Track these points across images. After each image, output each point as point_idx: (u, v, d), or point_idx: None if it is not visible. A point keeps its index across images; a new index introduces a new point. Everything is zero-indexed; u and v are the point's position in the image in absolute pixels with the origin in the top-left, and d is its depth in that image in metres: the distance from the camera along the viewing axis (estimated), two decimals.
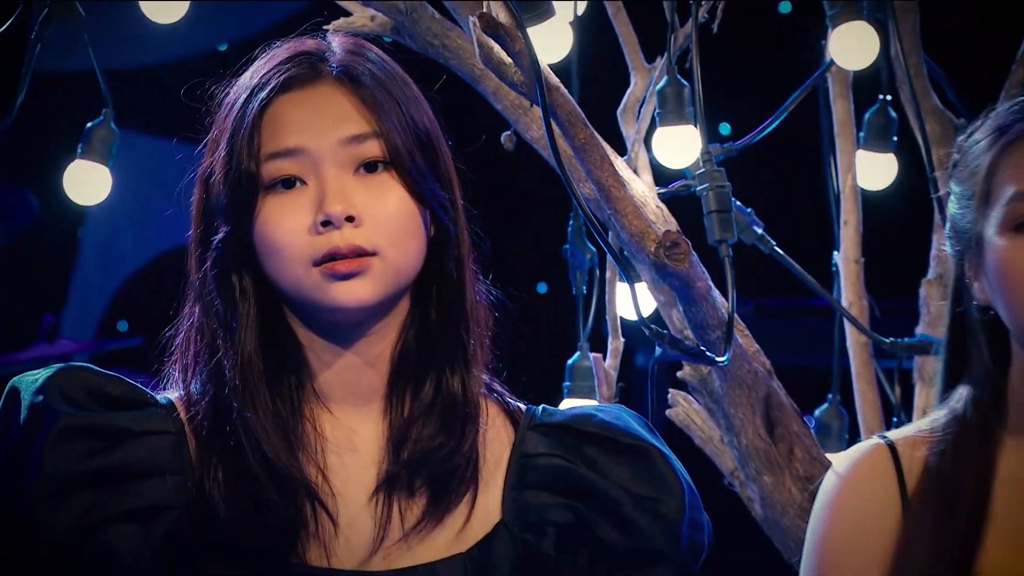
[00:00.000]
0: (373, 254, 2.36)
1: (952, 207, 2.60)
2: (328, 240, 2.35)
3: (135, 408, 2.39)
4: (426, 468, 2.39)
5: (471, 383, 2.43)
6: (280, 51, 2.42)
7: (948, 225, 2.62)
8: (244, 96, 2.39)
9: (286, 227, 2.37)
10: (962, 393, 2.60)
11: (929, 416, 2.64)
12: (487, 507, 2.41)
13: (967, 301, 2.60)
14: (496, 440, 2.44)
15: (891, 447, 2.60)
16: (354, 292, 2.36)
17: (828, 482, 2.61)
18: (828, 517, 2.59)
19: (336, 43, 2.44)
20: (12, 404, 2.38)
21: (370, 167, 2.38)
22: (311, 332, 2.41)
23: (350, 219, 2.35)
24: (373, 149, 2.38)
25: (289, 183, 2.38)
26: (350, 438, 2.41)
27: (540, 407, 2.47)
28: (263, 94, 2.38)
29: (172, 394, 2.42)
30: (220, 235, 2.38)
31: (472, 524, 2.40)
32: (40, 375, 2.37)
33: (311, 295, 2.36)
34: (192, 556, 2.36)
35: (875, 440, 2.62)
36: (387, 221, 2.37)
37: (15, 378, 2.38)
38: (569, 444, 2.42)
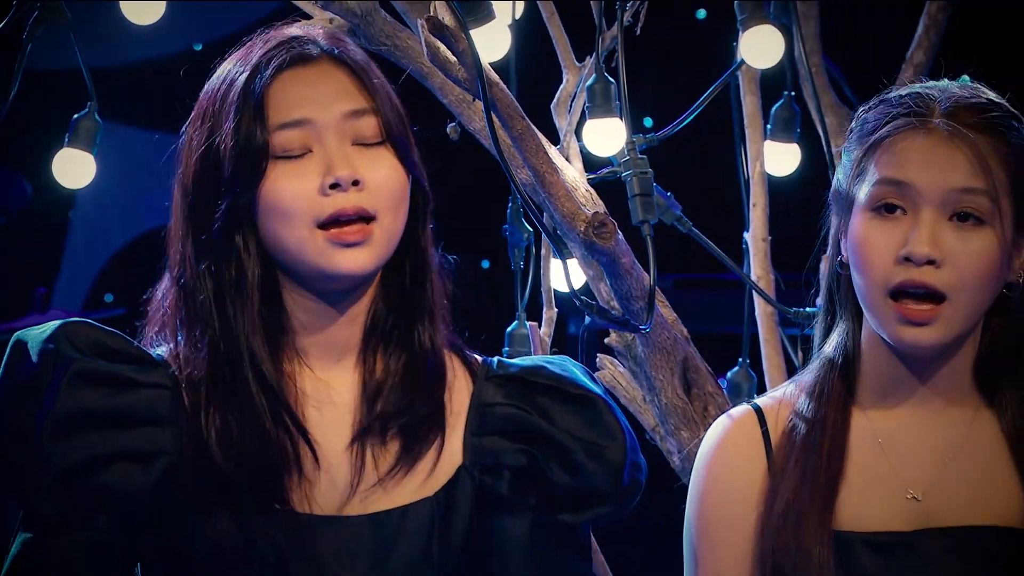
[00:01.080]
0: (373, 218, 2.34)
1: (839, 171, 2.58)
2: (334, 202, 2.33)
3: (134, 362, 2.37)
4: (398, 419, 2.38)
5: (438, 339, 2.42)
6: (272, 36, 2.40)
7: (833, 185, 2.59)
8: (245, 75, 2.36)
9: (294, 190, 2.35)
10: (825, 353, 2.59)
11: (799, 376, 2.63)
12: (451, 452, 2.40)
13: (833, 256, 2.58)
14: (458, 390, 2.43)
15: (758, 411, 2.58)
16: (358, 260, 2.34)
17: (703, 446, 2.60)
18: (703, 477, 2.57)
19: (316, 32, 2.42)
20: (19, 353, 2.35)
21: (368, 142, 2.37)
22: (298, 294, 2.38)
23: (355, 183, 2.34)
24: (371, 123, 2.37)
25: (299, 153, 2.36)
26: (328, 392, 2.39)
27: (495, 359, 2.46)
28: (268, 71, 2.35)
29: (162, 351, 2.40)
30: (227, 201, 2.34)
31: (438, 469, 2.39)
32: (48, 327, 2.35)
33: (314, 260, 2.34)
34: (183, 500, 2.34)
35: (744, 406, 2.61)
36: (385, 188, 2.36)
37: (18, 332, 2.36)
38: (523, 394, 2.42)
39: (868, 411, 2.55)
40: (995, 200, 2.47)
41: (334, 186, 2.33)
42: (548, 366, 2.45)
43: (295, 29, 2.42)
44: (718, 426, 2.59)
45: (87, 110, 3.31)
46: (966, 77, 2.60)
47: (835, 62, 3.34)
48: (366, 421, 2.37)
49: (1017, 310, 2.52)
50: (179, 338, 2.39)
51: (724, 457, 2.57)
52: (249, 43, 2.42)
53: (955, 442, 2.54)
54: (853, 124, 2.57)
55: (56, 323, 2.36)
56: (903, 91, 2.55)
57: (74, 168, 3.34)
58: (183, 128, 2.42)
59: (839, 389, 2.56)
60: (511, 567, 2.39)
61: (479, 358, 2.46)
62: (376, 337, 2.40)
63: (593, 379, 2.47)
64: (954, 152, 2.48)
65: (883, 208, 2.48)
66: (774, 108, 3.36)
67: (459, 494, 2.39)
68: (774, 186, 3.38)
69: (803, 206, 3.51)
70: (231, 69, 2.39)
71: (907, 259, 2.45)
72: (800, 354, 3.33)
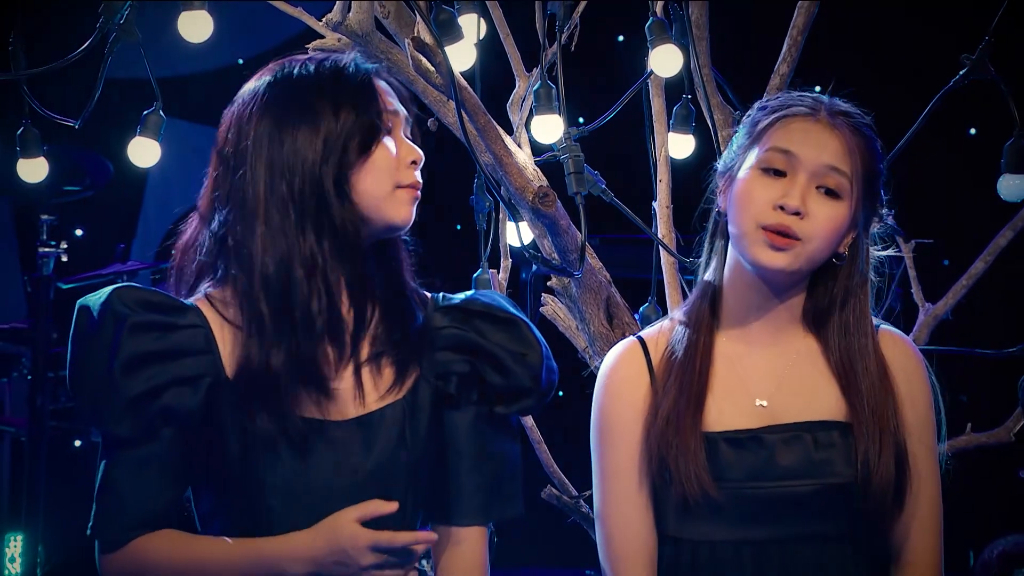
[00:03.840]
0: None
1: (728, 150, 2.60)
2: (412, 174, 2.38)
3: (172, 310, 2.34)
4: (390, 349, 2.38)
5: (408, 290, 2.42)
6: (346, 55, 2.41)
7: (722, 160, 2.61)
8: (348, 72, 2.37)
9: (391, 160, 2.37)
10: (701, 281, 2.60)
11: (677, 309, 2.64)
12: (415, 365, 2.41)
13: (714, 210, 2.61)
14: (420, 319, 2.43)
15: (641, 341, 2.59)
16: (412, 213, 2.38)
17: (600, 371, 2.60)
18: (601, 395, 2.58)
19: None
20: (85, 316, 2.33)
21: (410, 136, 2.43)
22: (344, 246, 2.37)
23: (415, 163, 2.39)
24: (409, 128, 2.43)
25: (390, 131, 2.39)
26: (340, 326, 2.37)
27: (440, 295, 2.47)
28: (367, 71, 2.39)
29: (194, 299, 2.37)
30: (339, 167, 2.33)
31: (405, 380, 2.40)
32: (102, 293, 2.33)
33: (390, 210, 2.36)
34: (223, 410, 2.33)
35: (630, 338, 2.61)
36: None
37: (81, 299, 2.34)
38: (462, 319, 2.42)
39: (726, 336, 2.56)
40: (851, 182, 2.49)
41: (413, 163, 2.38)
42: (480, 298, 2.46)
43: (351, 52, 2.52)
44: (611, 355, 2.60)
45: (154, 108, 3.29)
46: (818, 89, 2.62)
47: (721, 73, 3.33)
48: (365, 349, 2.38)
49: (843, 275, 2.54)
50: (218, 274, 2.36)
51: (615, 377, 2.57)
52: (317, 56, 2.41)
53: (790, 362, 2.55)
54: (751, 112, 2.59)
55: (108, 289, 2.34)
56: (799, 92, 2.59)
57: (144, 152, 3.32)
58: (247, 113, 2.35)
59: (707, 317, 2.57)
60: (461, 447, 2.41)
61: (428, 295, 2.46)
62: (363, 294, 2.38)
63: (516, 307, 2.47)
64: (830, 139, 2.51)
65: (771, 171, 2.51)
66: (675, 107, 3.35)
67: (420, 396, 2.39)
68: (675, 167, 3.37)
69: (696, 180, 3.52)
70: (318, 71, 2.36)
71: (781, 208, 2.47)
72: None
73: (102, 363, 2.29)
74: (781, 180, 2.50)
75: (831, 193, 2.50)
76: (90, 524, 2.34)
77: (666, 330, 2.59)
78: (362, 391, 2.36)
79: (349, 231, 2.34)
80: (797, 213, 2.47)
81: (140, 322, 2.31)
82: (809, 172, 2.49)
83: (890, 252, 2.66)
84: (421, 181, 2.39)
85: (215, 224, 2.36)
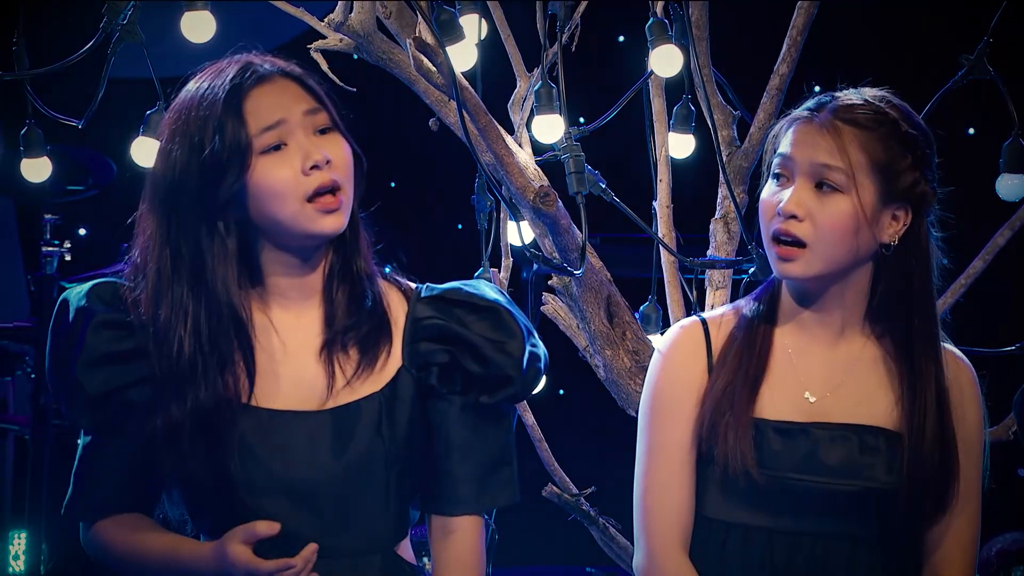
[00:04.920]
0: (340, 188, 2.34)
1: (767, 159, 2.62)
2: (316, 179, 2.33)
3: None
4: (351, 333, 2.38)
5: (370, 273, 2.42)
6: (228, 64, 2.37)
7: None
8: (223, 92, 2.32)
9: (282, 175, 2.34)
10: (764, 284, 2.62)
11: (736, 303, 2.65)
12: (394, 357, 2.41)
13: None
14: (397, 311, 2.43)
15: (703, 322, 2.61)
16: (337, 222, 2.34)
17: (659, 345, 2.62)
18: (658, 368, 2.59)
19: (265, 58, 2.41)
20: (63, 309, 2.36)
21: (323, 130, 2.35)
22: (279, 252, 2.37)
23: (328, 162, 2.33)
24: (323, 116, 2.37)
25: (277, 146, 2.34)
26: (298, 321, 2.39)
27: (424, 285, 2.47)
28: (243, 87, 2.33)
29: None
30: (213, 191, 2.32)
31: (384, 371, 2.40)
32: (84, 287, 2.36)
33: (304, 225, 2.33)
34: (175, 406, 2.34)
35: (692, 317, 2.63)
36: (344, 163, 2.36)
37: (65, 291, 2.37)
38: (444, 309, 2.42)
39: (788, 331, 2.57)
40: (850, 175, 2.49)
41: (314, 167, 2.32)
42: (463, 287, 2.45)
43: (251, 57, 2.40)
44: (671, 332, 2.62)
45: (157, 108, 3.28)
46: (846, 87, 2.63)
47: (721, 73, 3.33)
48: (328, 336, 2.37)
49: (893, 267, 2.54)
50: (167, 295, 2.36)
51: (673, 353, 2.58)
52: (211, 68, 2.39)
53: (846, 363, 2.56)
54: (781, 121, 2.60)
55: (90, 283, 2.37)
56: (814, 95, 2.61)
57: (147, 152, 3.30)
58: (160, 136, 2.38)
59: (766, 311, 2.58)
60: (449, 437, 2.40)
61: (413, 285, 2.46)
62: (334, 278, 2.39)
63: (500, 292, 2.47)
64: (822, 137, 2.52)
65: (776, 176, 2.52)
66: (675, 107, 3.35)
67: (401, 388, 2.39)
68: (675, 166, 3.37)
69: (696, 180, 3.52)
70: (203, 89, 2.35)
71: (778, 213, 2.49)
72: (695, 292, 3.33)
73: (68, 360, 2.33)
74: (785, 186, 2.52)
75: (831, 189, 2.50)
76: (64, 502, 2.40)
77: (729, 315, 2.61)
78: (331, 384, 2.36)
79: (239, 250, 2.34)
80: (793, 216, 2.49)
81: (105, 320, 2.33)
82: (804, 173, 2.51)
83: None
84: (333, 178, 2.33)
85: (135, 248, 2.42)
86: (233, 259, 2.34)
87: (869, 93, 2.57)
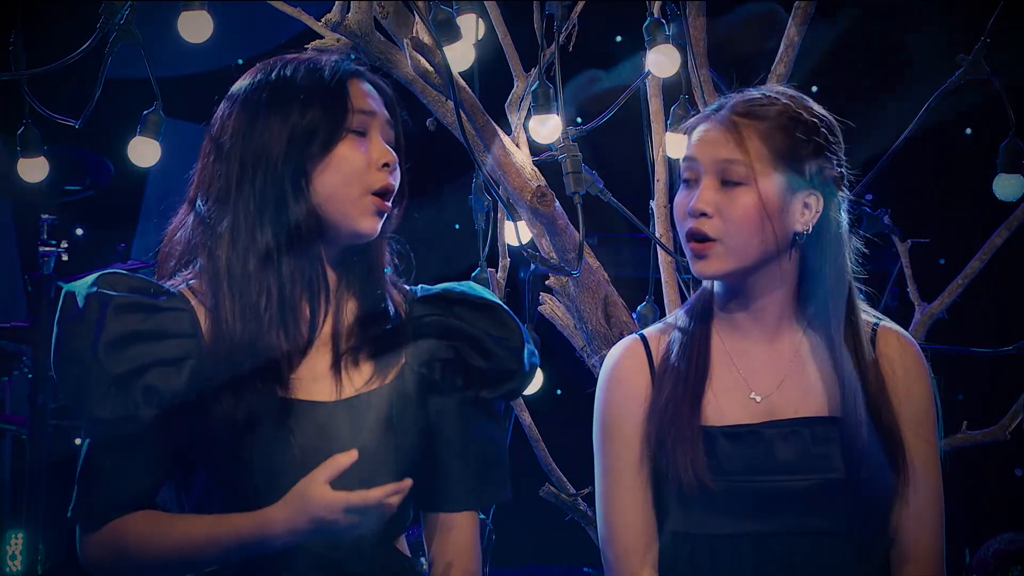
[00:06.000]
0: (391, 197, 2.40)
1: None
2: (384, 176, 2.38)
3: (157, 294, 2.37)
4: (368, 331, 2.40)
5: (383, 289, 2.43)
6: (323, 55, 2.43)
7: None
8: (324, 73, 2.38)
9: (361, 158, 2.37)
10: (697, 291, 2.63)
11: (678, 308, 2.66)
12: (398, 354, 2.42)
13: None
14: (399, 312, 2.45)
15: (643, 338, 2.60)
16: (377, 226, 2.38)
17: (603, 366, 2.62)
18: (604, 389, 2.60)
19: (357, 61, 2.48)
20: (70, 300, 2.34)
21: (390, 143, 2.42)
22: (322, 244, 2.39)
23: (394, 170, 2.39)
24: (393, 137, 2.43)
25: (362, 132, 2.38)
26: (295, 321, 2.39)
27: (419, 286, 2.49)
28: (345, 72, 2.39)
29: (178, 285, 2.40)
30: (308, 152, 2.35)
31: (390, 367, 2.41)
32: (88, 279, 2.36)
33: (355, 216, 2.37)
34: (205, 390, 2.34)
35: (632, 335, 2.63)
36: (397, 182, 2.41)
37: (67, 285, 2.36)
38: (442, 307, 2.44)
39: (725, 334, 2.57)
40: (750, 167, 2.48)
41: (385, 165, 2.37)
42: (456, 286, 2.48)
43: (336, 54, 2.48)
44: (613, 352, 2.62)
45: (154, 108, 3.28)
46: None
47: (718, 73, 3.33)
48: (344, 332, 2.40)
49: (810, 255, 2.54)
50: (197, 265, 2.38)
51: (616, 373, 2.58)
52: (289, 56, 2.42)
53: (786, 356, 2.56)
54: (685, 124, 2.64)
55: (94, 274, 2.36)
56: (725, 97, 2.63)
57: (144, 152, 3.31)
58: (229, 108, 2.39)
59: (704, 316, 2.59)
60: (447, 433, 2.42)
61: (408, 287, 2.49)
62: (355, 279, 2.42)
63: (490, 293, 2.49)
64: (720, 134, 2.53)
65: (685, 182, 2.56)
66: (672, 107, 3.35)
67: (406, 383, 2.41)
68: (672, 166, 3.37)
69: None
70: (300, 66, 2.39)
71: (689, 213, 2.49)
72: (691, 292, 3.33)
73: (87, 344, 2.30)
74: (694, 188, 2.53)
75: (735, 183, 2.51)
76: (71, 506, 2.35)
77: (667, 328, 2.60)
78: (342, 379, 2.37)
79: (303, 231, 2.35)
80: (703, 214, 2.50)
81: (125, 303, 2.33)
82: (709, 172, 2.53)
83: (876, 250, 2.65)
84: (394, 185, 2.39)
85: (197, 211, 2.40)
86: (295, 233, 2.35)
87: (768, 88, 2.58)
